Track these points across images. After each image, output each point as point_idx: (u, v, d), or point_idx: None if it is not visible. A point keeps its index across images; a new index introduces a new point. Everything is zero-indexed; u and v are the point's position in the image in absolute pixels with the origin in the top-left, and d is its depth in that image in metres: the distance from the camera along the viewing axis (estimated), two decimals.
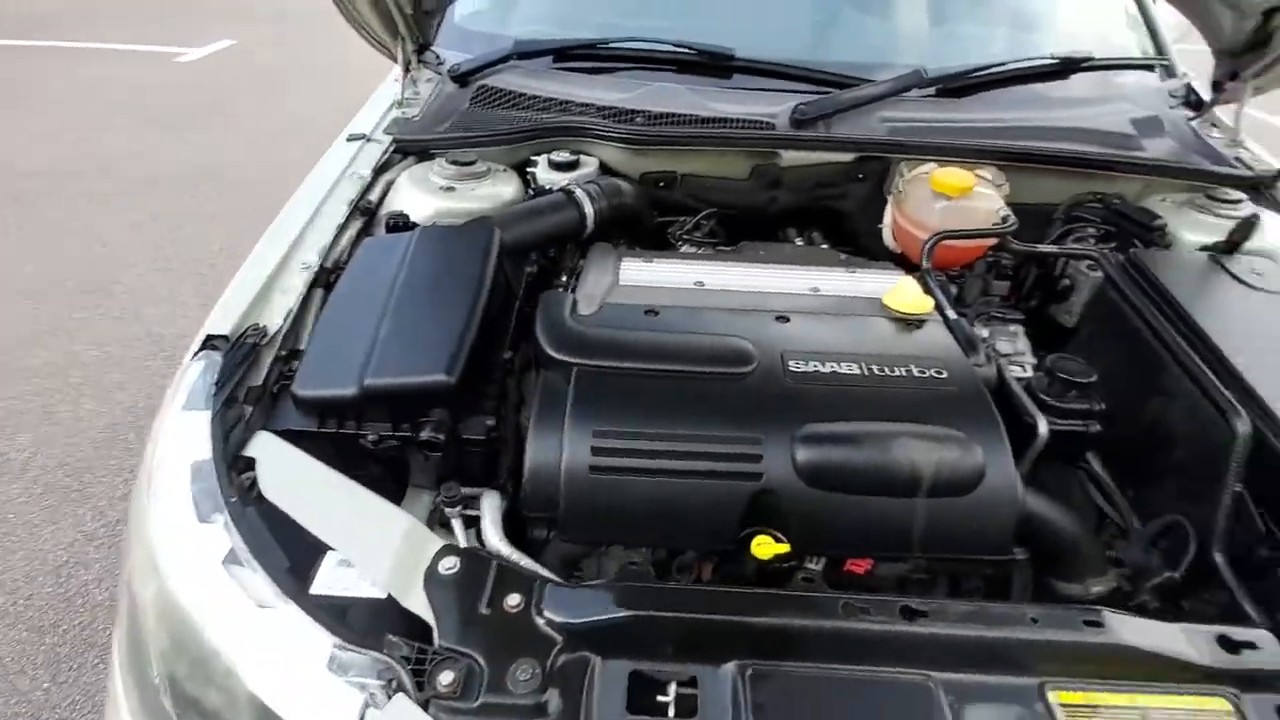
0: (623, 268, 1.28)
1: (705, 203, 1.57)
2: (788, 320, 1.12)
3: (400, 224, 1.29)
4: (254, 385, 1.02)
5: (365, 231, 1.34)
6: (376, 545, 0.82)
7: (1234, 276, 1.17)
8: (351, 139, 1.54)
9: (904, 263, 1.42)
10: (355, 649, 0.72)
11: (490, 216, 1.24)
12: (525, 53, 1.68)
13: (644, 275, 1.25)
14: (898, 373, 1.00)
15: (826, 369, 1.00)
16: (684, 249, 1.50)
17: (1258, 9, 1.42)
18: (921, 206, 1.41)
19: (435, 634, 0.74)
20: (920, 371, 1.01)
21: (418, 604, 0.76)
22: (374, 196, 1.41)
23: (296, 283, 1.17)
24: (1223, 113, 1.71)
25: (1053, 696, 0.71)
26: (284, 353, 1.08)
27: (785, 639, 0.74)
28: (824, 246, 1.61)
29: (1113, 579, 0.99)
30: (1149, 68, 1.83)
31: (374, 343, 1.00)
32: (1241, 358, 1.00)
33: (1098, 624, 0.74)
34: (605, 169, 1.56)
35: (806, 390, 0.97)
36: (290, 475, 0.90)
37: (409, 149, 1.53)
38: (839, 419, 0.93)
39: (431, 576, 0.79)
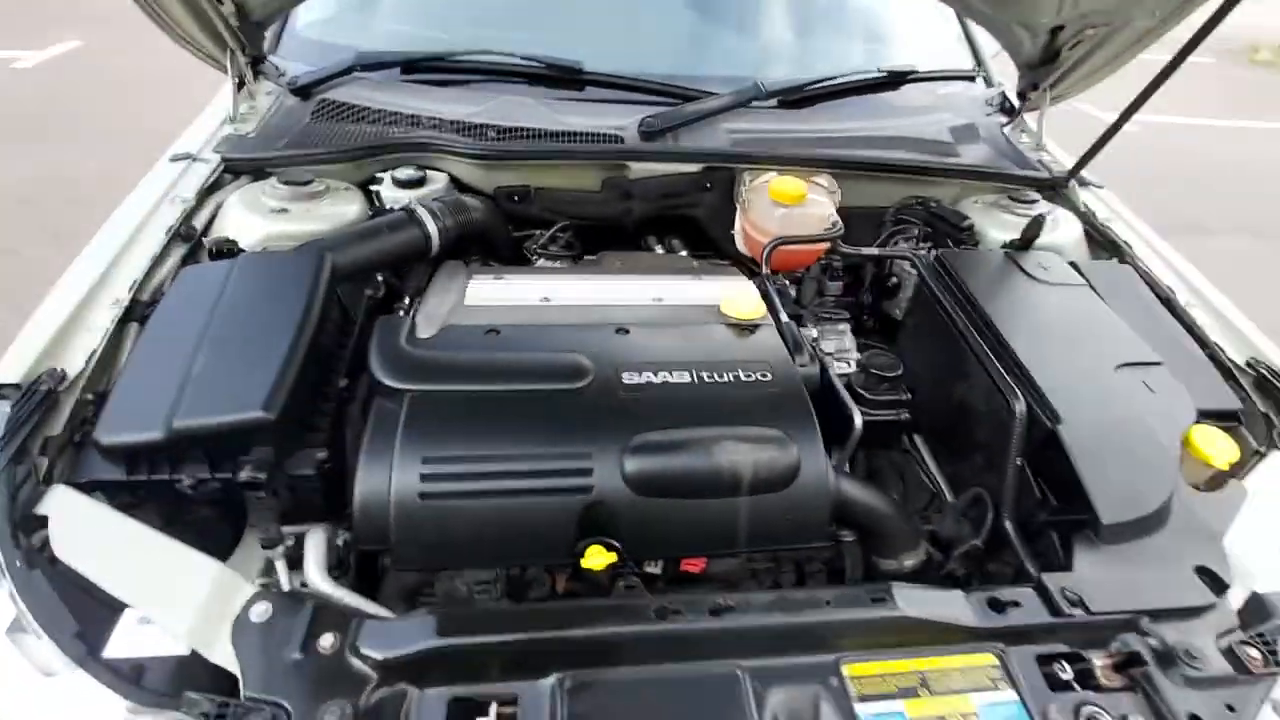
0: (470, 286, 1.27)
1: (562, 215, 1.59)
2: (627, 332, 1.15)
3: (225, 250, 1.23)
4: (53, 435, 0.94)
5: (189, 261, 1.26)
6: (180, 598, 0.78)
7: (1024, 271, 1.31)
8: (175, 159, 1.45)
9: (757, 266, 1.49)
10: (150, 711, 0.68)
11: (321, 239, 1.19)
12: (369, 64, 1.63)
13: (491, 293, 1.25)
14: (726, 378, 1.05)
15: (659, 379, 1.04)
16: (540, 263, 1.51)
17: (1045, 27, 1.58)
18: (762, 214, 1.48)
19: (241, 685, 0.71)
20: (747, 375, 1.06)
21: (223, 655, 0.73)
22: (200, 222, 1.33)
23: (103, 320, 1.09)
24: (1032, 119, 1.90)
25: (845, 670, 0.77)
26: (89, 397, 1.01)
27: (603, 648, 0.76)
28: (683, 254, 1.67)
29: (923, 552, 1.08)
30: (970, 78, 2.01)
31: (186, 380, 0.95)
32: (1021, 344, 1.13)
33: (883, 599, 0.81)
34: (458, 185, 1.54)
35: (638, 401, 1.00)
36: (86, 531, 0.84)
37: (240, 168, 1.45)
38: (668, 427, 0.97)
39: (240, 625, 0.76)
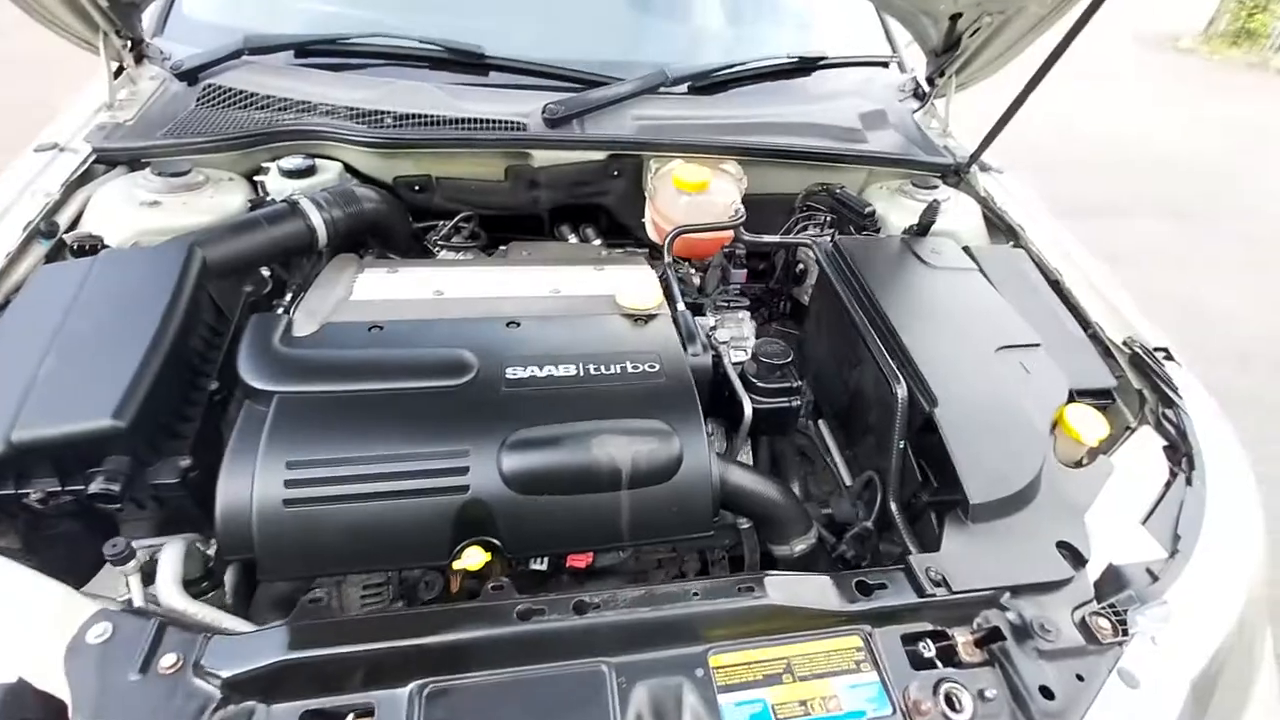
0: (359, 280, 1.22)
1: (466, 205, 1.55)
2: (518, 325, 1.13)
3: (88, 247, 1.15)
4: None
5: (52, 260, 1.18)
6: (11, 622, 0.74)
7: (917, 257, 1.33)
8: (40, 150, 1.35)
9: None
10: None
11: (192, 234, 1.13)
12: (258, 48, 1.55)
13: (381, 287, 1.21)
14: (613, 370, 1.04)
15: (543, 373, 1.02)
16: (442, 255, 1.47)
17: (944, 15, 1.61)
18: (668, 202, 1.47)
19: (70, 711, 0.67)
20: (634, 367, 1.06)
21: (53, 682, 0.69)
22: (66, 217, 1.25)
23: None
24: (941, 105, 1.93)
25: (712, 660, 0.77)
26: None
27: (464, 653, 0.75)
28: (596, 242, 1.65)
29: (815, 536, 1.10)
30: (883, 64, 2.03)
31: (30, 386, 0.89)
32: (908, 329, 1.15)
33: (751, 589, 0.82)
34: (355, 174, 1.49)
35: (520, 396, 0.98)
36: None
37: (114, 158, 1.37)
38: (549, 423, 0.96)
39: (75, 647, 0.72)
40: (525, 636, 0.75)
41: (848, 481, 1.27)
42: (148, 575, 0.88)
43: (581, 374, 1.03)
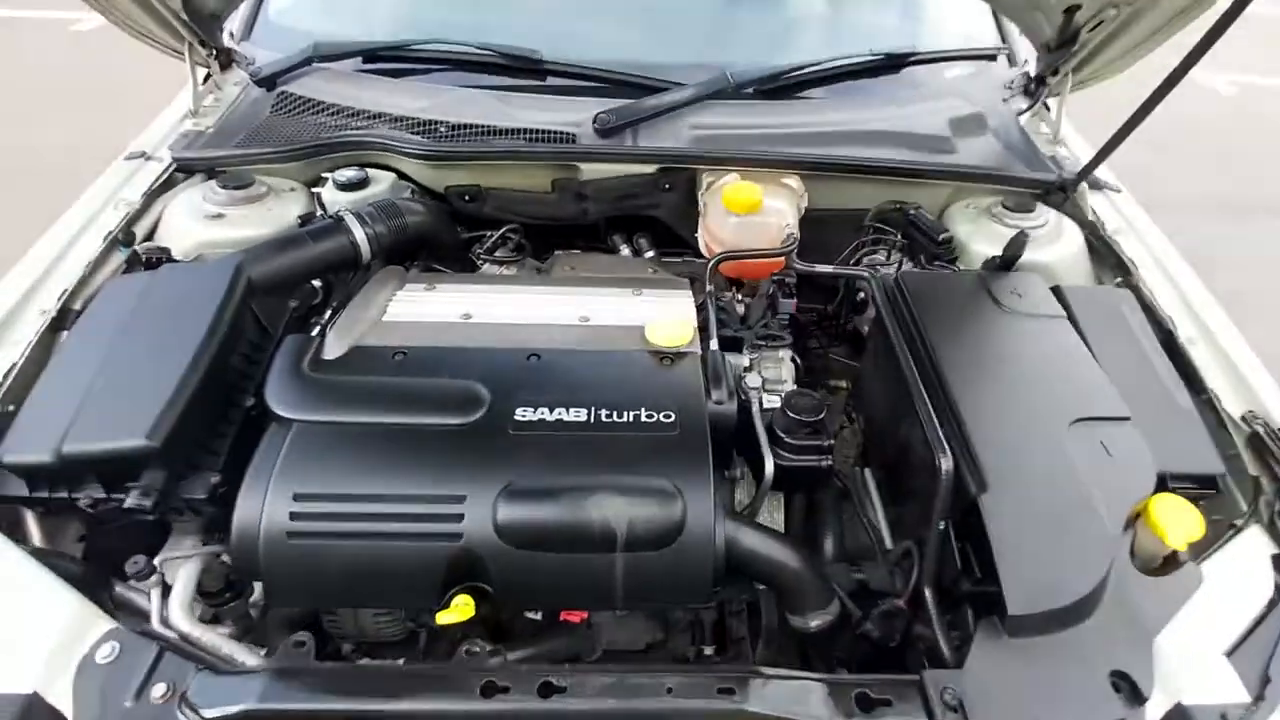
0: (395, 300, 1.24)
1: (515, 215, 1.53)
2: (538, 358, 1.10)
3: (155, 260, 1.23)
4: None
5: (132, 268, 1.28)
6: (30, 633, 0.80)
7: (993, 298, 1.17)
8: (130, 158, 1.46)
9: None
10: None
11: (240, 252, 1.18)
12: (327, 55, 1.59)
13: (414, 308, 1.22)
14: (625, 418, 0.99)
15: (553, 416, 0.99)
16: (486, 268, 1.47)
17: (1057, 8, 1.38)
18: (717, 221, 1.38)
19: None
20: (649, 416, 1.00)
21: (61, 697, 0.75)
22: (146, 225, 1.34)
23: (27, 332, 1.11)
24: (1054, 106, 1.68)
25: None
26: (11, 408, 1.04)
27: None
28: (649, 254, 1.58)
29: (834, 611, 1.01)
30: (990, 57, 1.79)
31: (84, 401, 0.96)
32: (965, 390, 1.01)
33: (730, 691, 0.75)
34: (410, 183, 1.50)
35: (525, 441, 0.96)
36: None
37: (192, 167, 1.45)
38: (551, 472, 0.93)
39: (85, 666, 0.77)
40: (484, 715, 0.73)
41: (888, 542, 1.16)
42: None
43: (591, 420, 0.99)
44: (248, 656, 0.88)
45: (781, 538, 1.01)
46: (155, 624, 0.89)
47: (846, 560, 1.17)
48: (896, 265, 1.36)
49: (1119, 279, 1.33)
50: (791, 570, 0.99)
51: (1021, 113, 1.65)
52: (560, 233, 1.58)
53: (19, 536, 0.99)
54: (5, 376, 1.05)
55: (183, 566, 0.92)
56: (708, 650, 1.15)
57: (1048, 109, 1.67)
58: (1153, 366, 1.13)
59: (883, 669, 1.10)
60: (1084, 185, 1.47)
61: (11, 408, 1.04)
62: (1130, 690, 0.79)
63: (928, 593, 0.95)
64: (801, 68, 1.56)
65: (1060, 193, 1.48)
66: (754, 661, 1.15)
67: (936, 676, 0.78)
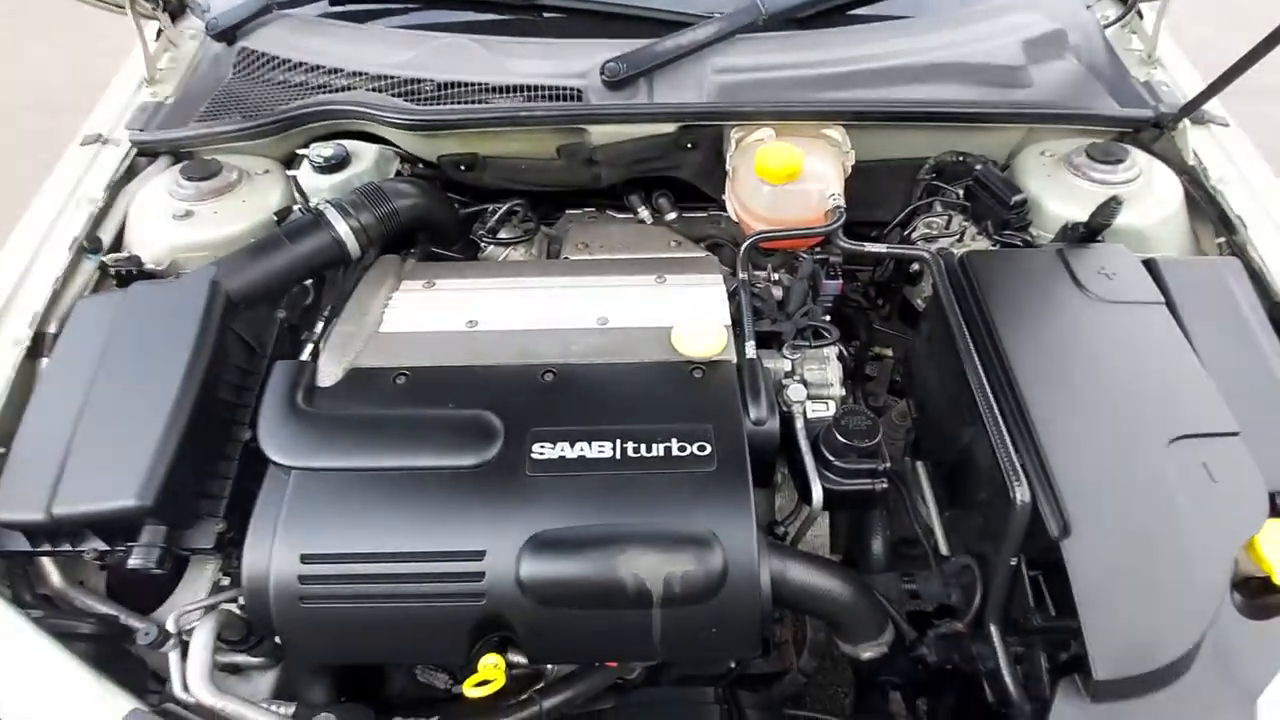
0: (391, 305, 1.11)
1: (520, 184, 1.36)
2: (554, 375, 0.98)
3: (126, 273, 1.11)
4: None
5: (102, 283, 1.16)
6: (57, 716, 0.77)
7: (1074, 281, 1.00)
8: (85, 143, 1.30)
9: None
10: None
11: (212, 266, 1.05)
12: (287, 1, 1.37)
13: (413, 313, 1.10)
14: (655, 452, 0.89)
15: (574, 453, 0.89)
16: (489, 251, 1.32)
17: None
18: (749, 191, 1.20)
19: None
20: (681, 448, 0.89)
21: None
22: (112, 227, 1.21)
23: (4, 366, 1.02)
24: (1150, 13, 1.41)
25: None
26: (1, 450, 0.97)
27: None
28: (671, 216, 1.41)
29: (886, 642, 0.94)
30: None
31: (67, 452, 0.89)
32: (1040, 401, 0.88)
33: None
34: (397, 150, 1.33)
35: (545, 484, 0.87)
36: None
37: (154, 150, 1.29)
38: (575, 519, 0.84)
39: None
40: None
41: (943, 547, 1.07)
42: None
43: (618, 456, 0.88)
44: None
45: (830, 567, 0.93)
46: (178, 691, 0.85)
47: (896, 568, 1.09)
48: (958, 235, 1.18)
49: (1222, 241, 1.14)
50: (843, 603, 0.91)
51: (1109, 24, 1.39)
52: (571, 193, 1.41)
53: (35, 578, 0.96)
54: None
55: (199, 629, 0.87)
56: None
57: (1140, 17, 1.39)
58: (1264, 357, 0.97)
59: (940, 689, 1.06)
60: (1184, 120, 1.24)
61: (2, 450, 0.97)
62: None
63: (995, 636, 0.87)
64: None
65: (1155, 129, 1.25)
66: (798, 669, 1.10)
67: None
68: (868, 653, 0.95)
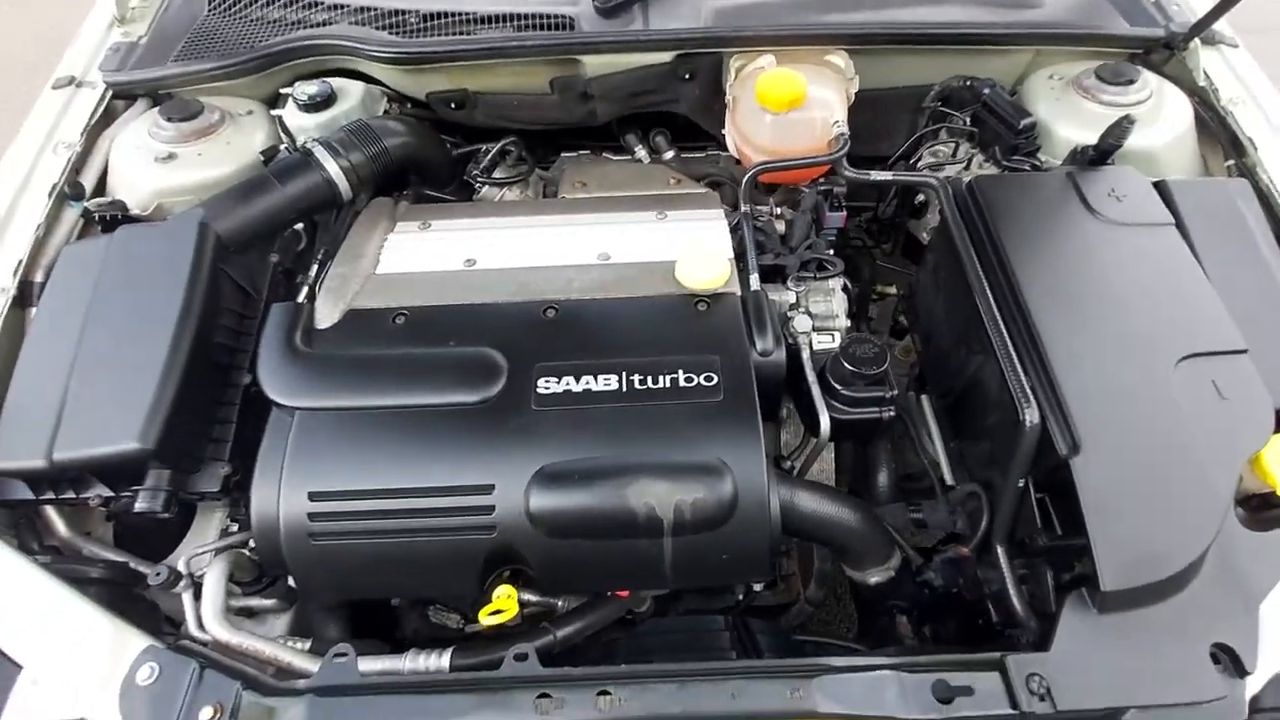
0: (387, 245, 1.09)
1: (512, 122, 1.31)
2: (556, 311, 0.97)
3: (110, 218, 1.08)
4: None
5: (88, 229, 1.12)
6: (73, 658, 0.77)
7: (1084, 204, 0.98)
8: (58, 86, 1.24)
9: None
10: None
11: (201, 207, 1.01)
12: None
13: (410, 254, 1.07)
14: (661, 384, 0.88)
15: (580, 386, 0.88)
16: (484, 192, 1.28)
17: None
18: (750, 121, 1.16)
19: None
20: (688, 379, 0.88)
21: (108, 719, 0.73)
22: (93, 172, 1.16)
23: None
24: None
25: None
26: None
27: None
28: (668, 155, 1.38)
29: (894, 566, 0.95)
30: None
31: (64, 398, 0.88)
32: (1051, 324, 0.87)
33: (799, 691, 0.70)
34: (384, 88, 1.28)
35: (552, 418, 0.86)
36: None
37: (131, 92, 1.24)
38: (583, 452, 0.83)
39: (127, 689, 0.74)
40: None
41: (948, 478, 1.08)
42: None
43: (624, 389, 0.87)
44: (291, 657, 0.85)
45: (838, 496, 0.93)
46: (193, 629, 0.85)
47: (902, 497, 1.10)
48: (965, 163, 1.16)
49: (1230, 164, 1.12)
50: (850, 528, 0.92)
51: None
52: (566, 133, 1.37)
53: (42, 528, 0.95)
54: None
55: (211, 569, 0.87)
56: (757, 587, 1.11)
57: None
58: (1273, 278, 0.97)
59: (945, 613, 1.08)
60: (1195, 40, 1.20)
61: None
62: (1232, 662, 0.73)
63: (1001, 556, 0.88)
64: None
65: (1166, 50, 1.22)
66: (805, 599, 1.12)
67: (1021, 661, 0.72)
68: (875, 578, 0.96)
